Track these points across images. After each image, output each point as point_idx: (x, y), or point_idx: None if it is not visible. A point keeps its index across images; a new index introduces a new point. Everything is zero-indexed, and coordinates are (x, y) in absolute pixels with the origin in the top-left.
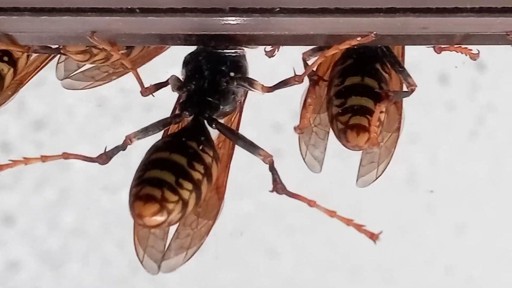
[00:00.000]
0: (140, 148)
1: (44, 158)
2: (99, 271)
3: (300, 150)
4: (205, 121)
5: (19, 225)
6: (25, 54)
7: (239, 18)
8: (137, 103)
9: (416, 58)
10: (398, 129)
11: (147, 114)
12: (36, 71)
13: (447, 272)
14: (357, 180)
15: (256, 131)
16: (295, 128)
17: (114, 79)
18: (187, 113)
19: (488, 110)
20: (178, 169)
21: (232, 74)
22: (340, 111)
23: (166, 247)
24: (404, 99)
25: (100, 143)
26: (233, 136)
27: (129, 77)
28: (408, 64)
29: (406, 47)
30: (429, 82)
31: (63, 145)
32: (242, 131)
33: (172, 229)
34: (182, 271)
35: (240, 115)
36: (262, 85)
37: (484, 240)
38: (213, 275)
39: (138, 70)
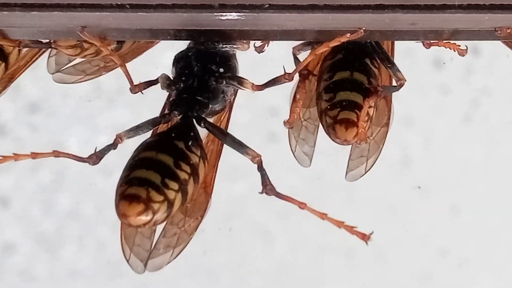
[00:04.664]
0: None
1: (34, 155)
2: (94, 254)
3: (290, 144)
4: (194, 120)
5: (14, 208)
6: (16, 48)
7: (228, 13)
8: None
9: (410, 42)
10: (387, 124)
11: (142, 97)
12: (27, 66)
13: (440, 253)
14: (346, 174)
15: (252, 115)
16: (284, 123)
17: (105, 73)
18: (176, 113)
19: (483, 94)
20: (164, 169)
21: (221, 72)
22: (329, 106)
23: (153, 245)
24: None
25: (95, 126)
26: (222, 135)
27: None
28: (402, 48)
29: None
30: (424, 66)
31: (58, 127)
32: (237, 115)
33: (160, 227)
34: None
35: (230, 114)
36: (252, 83)
37: (477, 222)
38: (207, 258)
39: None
